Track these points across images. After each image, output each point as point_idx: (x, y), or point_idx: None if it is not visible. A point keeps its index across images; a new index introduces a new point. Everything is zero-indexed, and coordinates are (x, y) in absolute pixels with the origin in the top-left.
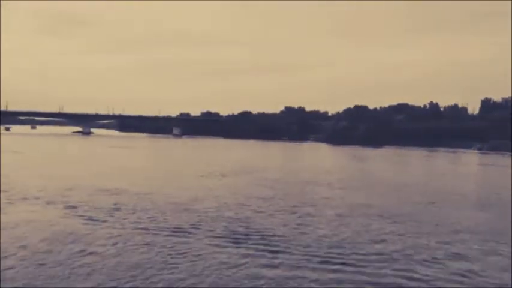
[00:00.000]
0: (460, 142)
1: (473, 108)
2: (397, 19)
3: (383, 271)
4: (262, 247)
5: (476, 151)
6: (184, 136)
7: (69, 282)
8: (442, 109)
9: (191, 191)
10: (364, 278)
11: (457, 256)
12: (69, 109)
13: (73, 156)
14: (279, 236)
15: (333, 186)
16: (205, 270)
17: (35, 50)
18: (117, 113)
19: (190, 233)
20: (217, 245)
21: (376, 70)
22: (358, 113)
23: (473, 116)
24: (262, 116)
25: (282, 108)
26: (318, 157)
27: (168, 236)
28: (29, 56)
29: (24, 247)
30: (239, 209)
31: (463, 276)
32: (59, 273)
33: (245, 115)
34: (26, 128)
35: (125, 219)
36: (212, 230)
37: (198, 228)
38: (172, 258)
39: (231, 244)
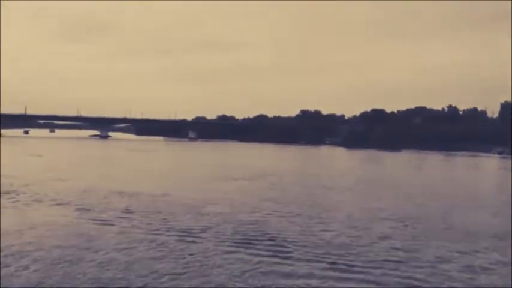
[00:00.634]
0: (479, 146)
1: (493, 112)
2: (417, 21)
3: (391, 274)
4: (273, 250)
5: (496, 155)
6: (199, 139)
7: (79, 283)
8: (461, 112)
9: (205, 194)
10: (373, 280)
11: (470, 265)
12: (86, 113)
13: (91, 159)
14: (290, 239)
15: (348, 191)
16: (215, 272)
17: (54, 55)
18: (134, 116)
19: (201, 235)
20: (228, 247)
21: (395, 73)
22: (375, 117)
23: (492, 120)
24: (277, 119)
25: (297, 111)
26: (333, 161)
27: (179, 238)
28: (49, 60)
29: (36, 248)
30: (252, 212)
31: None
32: (69, 273)
33: (261, 119)
34: (45, 132)
35: (138, 220)
36: (224, 233)
37: (210, 231)
38: (183, 259)
39: (242, 247)
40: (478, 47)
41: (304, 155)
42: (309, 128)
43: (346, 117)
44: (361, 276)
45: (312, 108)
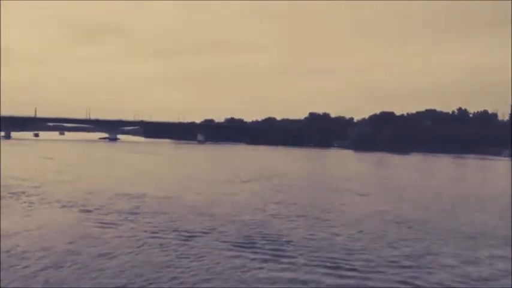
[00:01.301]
0: (489, 148)
1: (503, 114)
2: (424, 23)
3: (395, 277)
4: (277, 252)
5: (506, 158)
6: (208, 142)
7: (81, 283)
8: (471, 115)
9: (212, 196)
10: (379, 285)
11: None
12: (95, 115)
13: (101, 162)
14: (295, 241)
15: (356, 194)
16: (218, 273)
17: (63, 57)
18: (143, 119)
19: (206, 236)
20: (232, 249)
21: (404, 76)
22: (384, 119)
23: (503, 122)
24: (286, 122)
25: (306, 114)
26: (341, 164)
27: (184, 239)
28: (58, 63)
29: (39, 248)
30: (258, 214)
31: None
32: (73, 274)
33: (269, 121)
34: (55, 134)
35: (143, 222)
36: (228, 234)
37: (215, 232)
38: (186, 261)
39: (246, 248)
40: (488, 49)
41: (312, 158)
42: (318, 131)
43: (355, 120)
44: (365, 281)
45: (320, 111)
